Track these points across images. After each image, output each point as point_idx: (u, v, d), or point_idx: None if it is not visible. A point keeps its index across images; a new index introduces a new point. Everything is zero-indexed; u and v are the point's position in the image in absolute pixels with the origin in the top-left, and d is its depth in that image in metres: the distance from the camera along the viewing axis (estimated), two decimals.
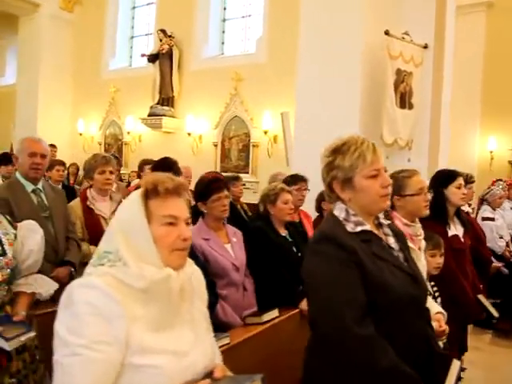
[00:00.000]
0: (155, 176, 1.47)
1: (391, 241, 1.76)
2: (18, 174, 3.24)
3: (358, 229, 1.67)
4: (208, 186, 2.95)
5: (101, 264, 1.41)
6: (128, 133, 9.90)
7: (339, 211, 1.73)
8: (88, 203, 3.54)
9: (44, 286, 2.46)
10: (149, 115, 9.26)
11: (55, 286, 2.50)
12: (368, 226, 1.70)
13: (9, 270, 2.25)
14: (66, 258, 3.21)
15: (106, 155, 3.71)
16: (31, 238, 2.43)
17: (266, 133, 7.88)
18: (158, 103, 9.17)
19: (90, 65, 10.83)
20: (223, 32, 9.52)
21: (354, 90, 6.54)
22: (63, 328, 1.26)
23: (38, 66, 10.92)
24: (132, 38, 11.08)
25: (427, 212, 2.56)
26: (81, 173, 8.47)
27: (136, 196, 1.43)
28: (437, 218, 3.02)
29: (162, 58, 9.15)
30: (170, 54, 9.13)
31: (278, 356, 2.73)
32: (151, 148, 9.22)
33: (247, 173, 7.94)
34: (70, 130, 11.10)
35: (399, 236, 1.82)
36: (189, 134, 8.88)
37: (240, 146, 8.42)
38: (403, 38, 6.59)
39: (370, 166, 1.66)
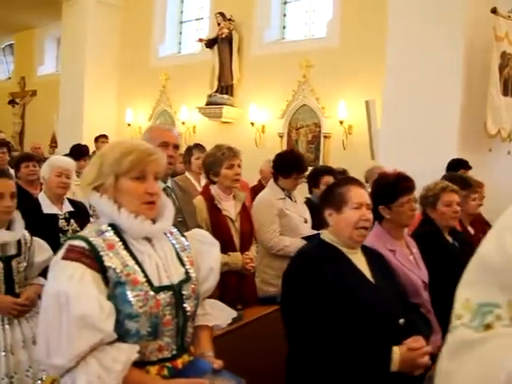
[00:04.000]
0: None
1: None
2: None
3: None
4: (394, 187, 2.40)
5: (485, 326, 0.85)
6: (183, 123, 9.31)
7: None
8: (215, 202, 3.01)
9: (222, 314, 1.91)
10: (207, 104, 8.66)
11: (233, 313, 1.95)
12: None
13: (195, 300, 1.70)
14: None
15: (232, 146, 3.15)
16: (208, 252, 1.88)
17: (341, 123, 7.26)
18: (216, 91, 8.57)
19: (138, 52, 10.26)
20: (284, 15, 8.88)
21: (455, 75, 5.86)
22: None
23: (83, 53, 10.35)
24: (181, 23, 10.50)
25: None
26: None
27: None
28: None
29: (220, 43, 8.51)
30: (229, 39, 8.49)
31: None
32: (208, 139, 8.49)
33: None
34: (117, 120, 10.59)
35: None
36: (252, 124, 8.27)
37: (309, 136, 7.78)
38: (509, 16, 5.94)
39: None
